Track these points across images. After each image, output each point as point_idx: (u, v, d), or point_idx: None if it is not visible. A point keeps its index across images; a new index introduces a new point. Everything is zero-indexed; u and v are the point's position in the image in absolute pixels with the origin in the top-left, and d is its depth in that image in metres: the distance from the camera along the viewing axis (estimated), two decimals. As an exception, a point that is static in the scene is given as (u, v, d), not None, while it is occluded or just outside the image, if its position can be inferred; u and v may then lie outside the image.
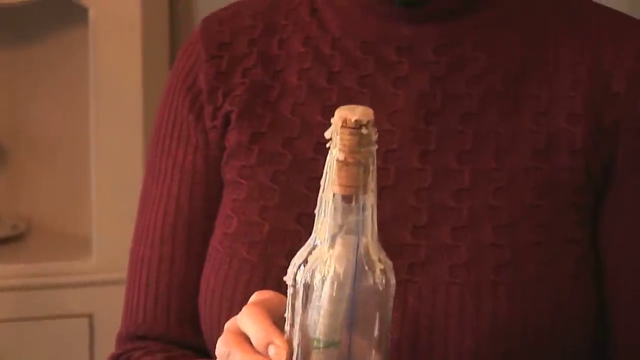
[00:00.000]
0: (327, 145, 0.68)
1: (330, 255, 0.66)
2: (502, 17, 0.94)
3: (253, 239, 0.88)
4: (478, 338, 0.84)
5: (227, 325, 0.72)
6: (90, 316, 1.85)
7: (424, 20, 0.91)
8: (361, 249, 0.67)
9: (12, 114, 2.12)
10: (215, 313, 0.89)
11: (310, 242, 0.67)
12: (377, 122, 0.79)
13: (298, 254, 0.68)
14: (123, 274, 1.65)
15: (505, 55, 0.92)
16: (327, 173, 0.68)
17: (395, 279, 0.71)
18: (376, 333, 0.66)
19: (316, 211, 0.69)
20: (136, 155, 1.98)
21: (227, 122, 0.94)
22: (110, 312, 1.68)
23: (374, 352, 0.66)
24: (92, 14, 1.88)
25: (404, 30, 0.92)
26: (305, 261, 0.66)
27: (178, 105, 0.98)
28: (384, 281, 0.67)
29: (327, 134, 0.68)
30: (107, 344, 1.22)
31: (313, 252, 0.66)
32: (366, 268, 0.66)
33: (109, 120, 1.96)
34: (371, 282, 0.66)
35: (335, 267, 0.66)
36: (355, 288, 0.66)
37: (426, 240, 0.87)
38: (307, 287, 0.66)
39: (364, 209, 0.66)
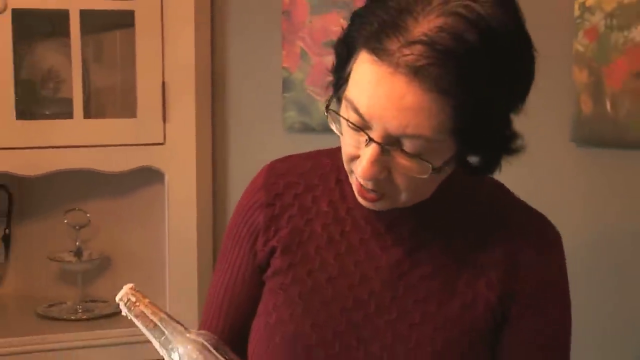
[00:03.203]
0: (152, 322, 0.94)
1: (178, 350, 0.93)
2: (450, 213, 1.06)
3: (284, 333, 1.06)
4: None
5: None
6: None
7: (406, 211, 1.04)
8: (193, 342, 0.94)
9: (116, 237, 2.41)
10: (253, 349, 1.09)
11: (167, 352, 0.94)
12: (366, 273, 1.04)
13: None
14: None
15: (453, 240, 1.06)
16: (153, 328, 0.95)
17: None
18: None
19: (159, 346, 0.96)
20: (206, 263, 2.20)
21: (272, 252, 1.10)
22: None
23: None
24: (167, 177, 2.18)
25: (390, 215, 1.05)
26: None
27: (240, 231, 1.13)
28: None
29: (127, 313, 0.95)
30: None
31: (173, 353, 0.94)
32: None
33: (181, 250, 2.22)
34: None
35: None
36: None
37: (388, 353, 1.03)
38: None
39: (170, 323, 0.95)
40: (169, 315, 0.96)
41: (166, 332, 0.94)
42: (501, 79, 0.89)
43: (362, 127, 0.91)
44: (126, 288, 0.95)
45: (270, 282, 1.08)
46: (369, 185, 0.96)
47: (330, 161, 1.10)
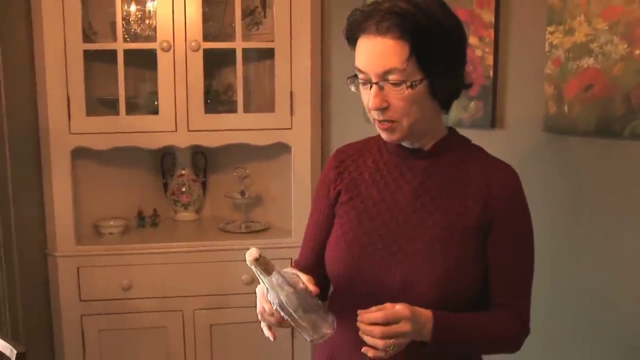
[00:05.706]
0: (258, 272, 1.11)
1: (278, 281, 1.14)
2: (447, 160, 1.35)
3: (347, 238, 1.36)
4: (433, 277, 1.27)
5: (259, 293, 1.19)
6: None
7: (419, 158, 1.34)
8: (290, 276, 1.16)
9: (263, 184, 2.95)
10: (329, 261, 1.37)
11: (268, 282, 1.14)
12: (397, 198, 1.34)
13: (266, 287, 1.14)
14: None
15: (449, 175, 1.33)
16: (269, 282, 1.14)
17: (395, 258, 1.20)
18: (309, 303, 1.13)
19: (267, 285, 1.14)
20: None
21: (339, 193, 1.43)
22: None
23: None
24: (293, 149, 2.75)
25: (409, 161, 1.35)
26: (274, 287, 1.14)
27: (321, 187, 1.47)
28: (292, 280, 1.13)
29: (250, 265, 1.11)
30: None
31: (272, 284, 1.14)
32: (288, 278, 1.14)
33: (301, 194, 2.77)
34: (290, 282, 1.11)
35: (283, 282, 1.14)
36: (293, 289, 1.13)
37: (412, 246, 1.31)
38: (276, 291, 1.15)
39: (278, 273, 1.15)
40: (279, 272, 1.10)
41: (267, 278, 1.09)
42: (437, 30, 1.16)
43: (366, 80, 1.19)
44: (255, 252, 1.08)
45: (338, 211, 1.39)
46: (380, 116, 1.18)
47: (374, 139, 1.39)
